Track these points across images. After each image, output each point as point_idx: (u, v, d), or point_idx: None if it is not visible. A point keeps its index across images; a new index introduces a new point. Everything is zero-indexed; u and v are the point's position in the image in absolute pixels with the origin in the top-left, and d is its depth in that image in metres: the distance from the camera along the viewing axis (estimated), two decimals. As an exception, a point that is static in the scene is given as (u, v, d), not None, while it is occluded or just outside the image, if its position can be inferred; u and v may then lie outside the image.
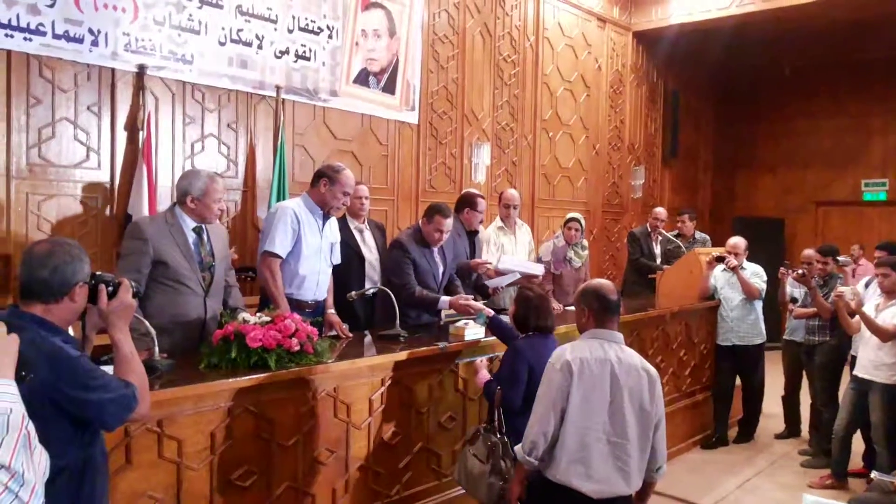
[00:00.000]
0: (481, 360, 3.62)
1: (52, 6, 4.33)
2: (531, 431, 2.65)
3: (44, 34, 4.33)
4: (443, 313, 4.18)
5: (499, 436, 3.13)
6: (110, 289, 2.13)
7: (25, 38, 4.26)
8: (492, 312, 3.73)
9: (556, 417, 2.60)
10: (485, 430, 3.20)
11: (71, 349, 1.95)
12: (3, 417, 1.31)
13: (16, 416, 1.34)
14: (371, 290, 4.33)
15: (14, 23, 4.21)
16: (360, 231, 4.76)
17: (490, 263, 4.95)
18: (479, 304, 4.06)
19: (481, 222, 5.09)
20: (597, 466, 2.60)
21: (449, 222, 4.30)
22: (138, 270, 3.22)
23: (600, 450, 2.61)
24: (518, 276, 4.84)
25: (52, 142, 4.47)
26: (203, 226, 3.48)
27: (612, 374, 2.63)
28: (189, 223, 3.43)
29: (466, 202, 5.01)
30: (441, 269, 4.44)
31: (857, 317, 4.79)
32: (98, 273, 2.14)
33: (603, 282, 2.88)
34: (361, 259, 4.67)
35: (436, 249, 4.40)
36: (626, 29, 9.34)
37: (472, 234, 5.09)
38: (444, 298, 4.21)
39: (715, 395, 6.03)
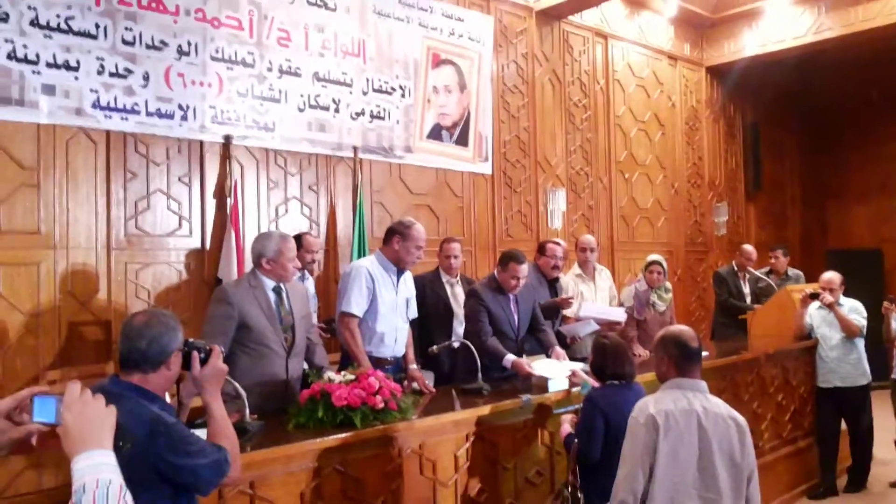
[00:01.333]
0: (566, 414, 3.55)
1: (145, 87, 4.65)
2: (619, 490, 2.56)
3: (138, 113, 4.63)
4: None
5: (569, 490, 3.08)
6: (202, 355, 2.24)
7: (122, 118, 4.58)
8: (595, 383, 3.57)
9: (644, 474, 2.51)
10: (565, 484, 3.16)
11: (168, 416, 2.04)
12: (104, 489, 1.37)
13: (114, 486, 1.39)
14: (454, 343, 4.34)
15: (112, 104, 4.53)
16: (452, 285, 4.90)
17: (573, 299, 5.03)
18: (584, 374, 3.89)
19: (555, 267, 5.06)
20: (690, 524, 2.48)
21: (524, 268, 4.27)
22: (224, 334, 3.34)
23: (693, 507, 2.49)
24: (595, 325, 4.81)
25: (148, 213, 4.75)
26: (282, 285, 3.59)
27: (699, 425, 2.52)
28: (268, 283, 3.55)
29: (538, 249, 5.25)
30: (516, 318, 4.39)
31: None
32: (191, 340, 2.25)
33: (682, 328, 2.79)
34: (450, 312, 4.74)
35: (511, 297, 4.36)
36: (698, 65, 9.21)
37: (553, 282, 5.12)
38: (509, 357, 4.07)
39: (819, 441, 5.68)
